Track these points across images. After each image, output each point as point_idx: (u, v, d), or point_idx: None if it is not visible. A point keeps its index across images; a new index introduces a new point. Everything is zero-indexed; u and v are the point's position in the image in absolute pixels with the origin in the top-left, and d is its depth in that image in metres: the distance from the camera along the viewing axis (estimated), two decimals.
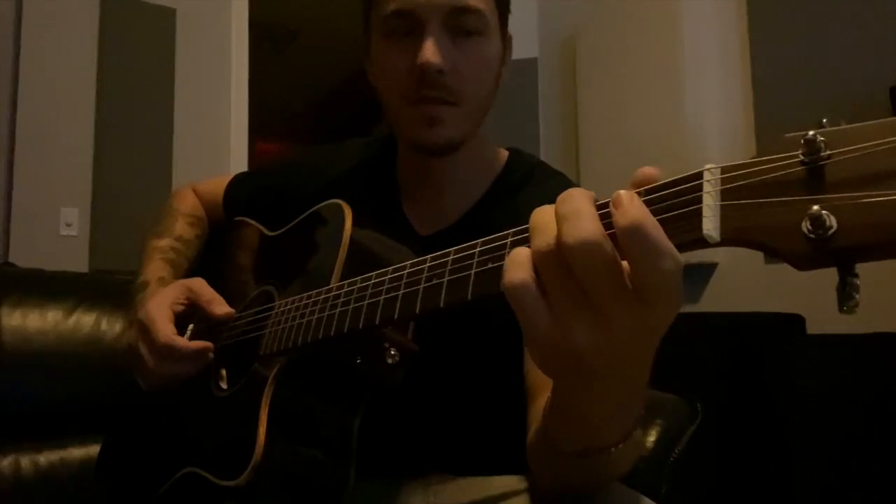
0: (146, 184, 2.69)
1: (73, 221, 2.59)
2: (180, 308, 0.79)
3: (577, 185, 0.87)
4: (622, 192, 0.38)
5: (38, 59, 2.59)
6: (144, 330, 0.77)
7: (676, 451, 0.94)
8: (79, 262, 2.56)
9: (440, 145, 0.78)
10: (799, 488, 1.94)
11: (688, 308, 2.60)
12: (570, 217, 0.38)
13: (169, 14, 2.86)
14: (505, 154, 0.91)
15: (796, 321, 2.16)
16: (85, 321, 1.22)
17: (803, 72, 2.25)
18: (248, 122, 3.02)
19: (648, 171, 0.41)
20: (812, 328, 2.14)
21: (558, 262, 0.38)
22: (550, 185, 0.86)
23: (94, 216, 2.62)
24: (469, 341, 0.77)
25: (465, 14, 0.76)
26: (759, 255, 2.38)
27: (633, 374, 0.45)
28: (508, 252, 0.44)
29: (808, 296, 2.18)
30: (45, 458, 1.14)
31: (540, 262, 0.39)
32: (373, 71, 0.84)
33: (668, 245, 0.37)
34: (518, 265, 0.40)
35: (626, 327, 0.39)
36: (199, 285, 0.81)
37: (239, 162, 2.97)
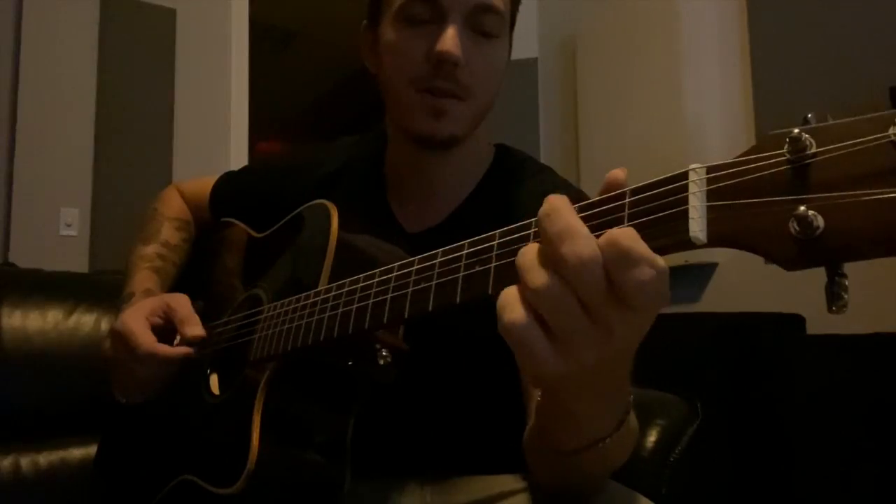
0: (146, 184, 2.69)
1: (73, 221, 2.59)
2: (157, 321, 0.78)
3: (566, 181, 0.87)
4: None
5: (38, 59, 2.59)
6: (122, 340, 0.76)
7: (676, 451, 0.94)
8: (79, 262, 2.56)
9: (442, 139, 0.78)
10: (799, 488, 1.94)
11: (688, 308, 2.60)
12: (565, 236, 0.38)
13: (169, 14, 2.86)
14: (492, 150, 0.90)
15: (796, 321, 2.16)
16: (85, 321, 1.22)
17: (803, 72, 2.25)
18: (248, 122, 3.02)
19: (617, 173, 0.41)
20: (812, 328, 2.14)
21: (555, 293, 0.38)
22: (539, 181, 0.86)
23: (94, 216, 2.62)
24: (461, 339, 0.76)
25: (487, 13, 0.76)
26: None
27: (621, 372, 0.46)
28: (496, 254, 0.45)
29: (808, 296, 2.17)
30: (45, 458, 1.14)
31: (536, 300, 0.38)
32: (375, 58, 0.83)
33: (647, 253, 0.37)
34: (512, 306, 0.39)
35: (624, 335, 0.39)
36: (178, 302, 0.79)
37: (239, 162, 2.96)
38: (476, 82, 0.77)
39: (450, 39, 0.73)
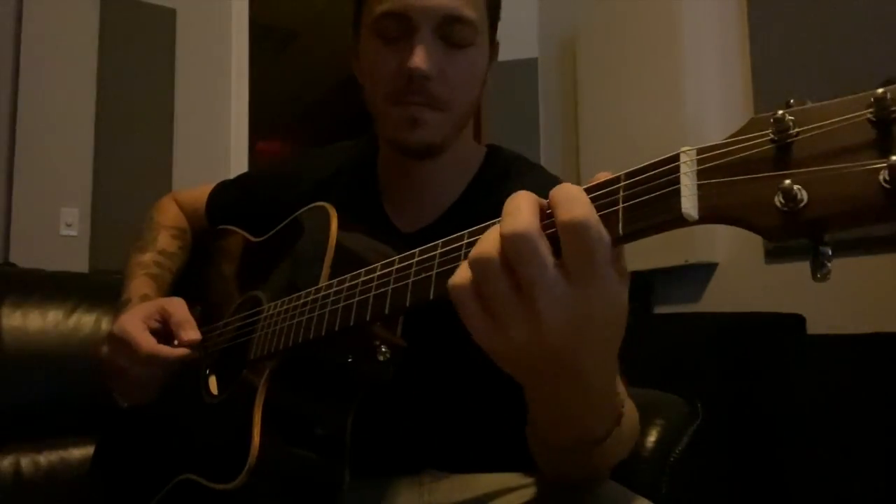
0: (146, 184, 2.69)
1: (73, 221, 2.59)
2: (154, 324, 0.78)
3: (557, 178, 0.87)
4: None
5: (38, 59, 2.59)
6: (121, 343, 0.76)
7: (676, 451, 0.94)
8: (79, 262, 2.56)
9: (420, 148, 0.79)
10: (798, 488, 1.94)
11: (688, 308, 2.60)
12: (510, 213, 0.41)
13: (169, 14, 2.86)
14: (483, 151, 0.91)
15: (796, 321, 2.16)
16: (85, 321, 1.22)
17: (804, 71, 2.25)
18: (248, 122, 3.03)
19: (605, 175, 0.43)
20: (812, 328, 2.14)
21: (485, 260, 0.41)
22: (529, 178, 0.86)
23: (94, 216, 2.63)
24: (458, 336, 0.77)
25: (457, 24, 0.76)
26: (760, 254, 2.40)
27: (591, 368, 0.45)
28: None
29: (808, 296, 2.18)
30: (45, 458, 1.14)
31: (475, 266, 0.42)
32: (360, 68, 0.84)
33: (594, 218, 0.40)
34: (461, 271, 0.43)
35: (557, 317, 0.41)
36: (174, 306, 0.79)
37: (239, 162, 2.97)
38: (452, 93, 0.77)
39: (418, 55, 0.74)
